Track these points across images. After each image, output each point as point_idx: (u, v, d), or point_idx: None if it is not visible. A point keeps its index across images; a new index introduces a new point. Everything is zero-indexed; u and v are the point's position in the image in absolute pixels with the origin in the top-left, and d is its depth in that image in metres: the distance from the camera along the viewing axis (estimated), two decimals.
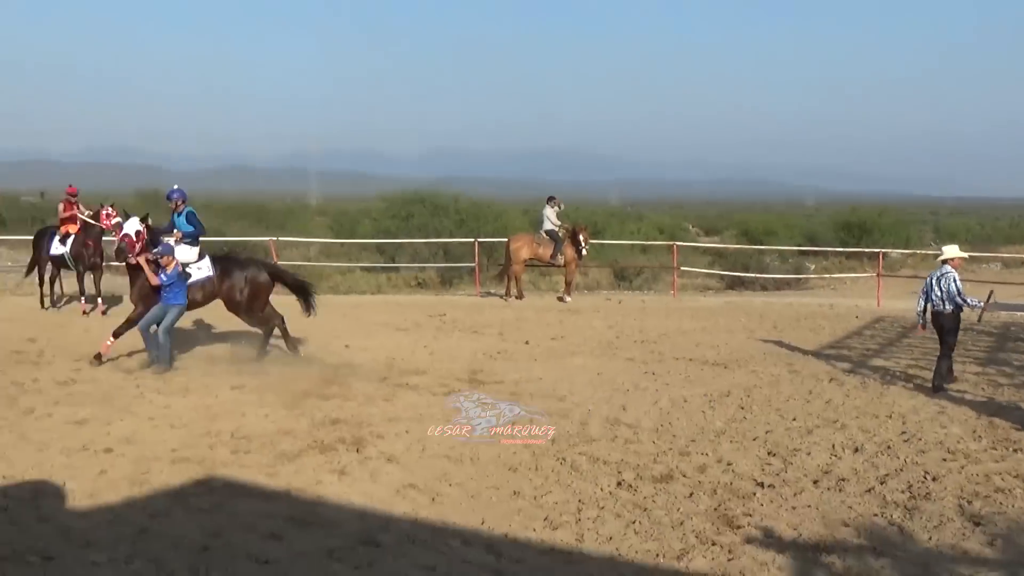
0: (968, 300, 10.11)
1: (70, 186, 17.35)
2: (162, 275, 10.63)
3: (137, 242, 10.92)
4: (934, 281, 10.27)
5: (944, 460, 7.30)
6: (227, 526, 5.68)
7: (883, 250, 24.50)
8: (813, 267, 28.49)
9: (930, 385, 10.10)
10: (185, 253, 11.43)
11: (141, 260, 10.74)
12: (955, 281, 10.09)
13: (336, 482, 6.61)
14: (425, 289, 22.98)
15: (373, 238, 26.49)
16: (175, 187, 12.36)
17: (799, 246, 29.84)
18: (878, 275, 21.10)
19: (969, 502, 6.29)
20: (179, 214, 12.06)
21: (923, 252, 30.57)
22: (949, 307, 10.12)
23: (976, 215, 79.03)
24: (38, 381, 9.90)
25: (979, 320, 12.35)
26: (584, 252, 19.21)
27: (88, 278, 16.32)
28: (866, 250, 26.80)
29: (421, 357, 12.06)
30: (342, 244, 27.39)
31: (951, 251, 10.51)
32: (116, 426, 8.02)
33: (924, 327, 10.51)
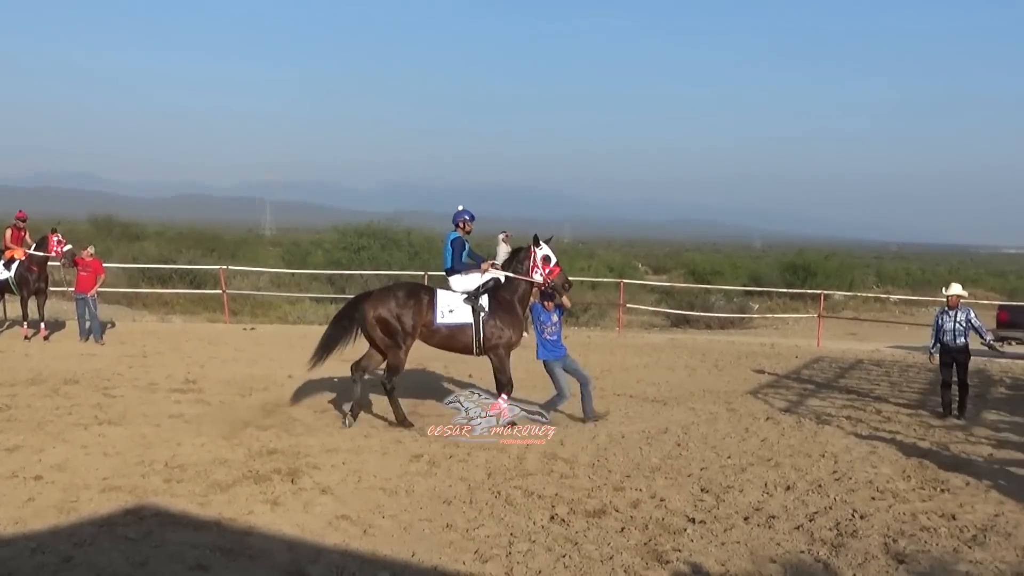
0: (986, 334, 11.35)
1: (19, 211, 17.23)
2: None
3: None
4: (945, 317, 11.32)
5: (873, 499, 7.41)
6: (153, 556, 5.58)
7: (825, 292, 25.03)
8: (757, 307, 28.93)
9: (954, 414, 11.15)
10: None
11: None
12: (976, 316, 11.27)
13: (268, 512, 6.54)
14: None
15: (324, 269, 26.36)
16: (461, 207, 10.45)
17: (745, 286, 30.23)
18: (819, 316, 21.57)
19: (895, 540, 6.37)
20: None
21: (864, 295, 31.23)
22: (962, 341, 11.17)
23: (918, 260, 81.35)
24: None
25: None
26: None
27: (32, 303, 16.14)
28: (809, 291, 27.36)
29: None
30: (292, 274, 27.16)
31: (955, 289, 11.45)
32: (48, 453, 7.86)
33: (932, 359, 11.75)
